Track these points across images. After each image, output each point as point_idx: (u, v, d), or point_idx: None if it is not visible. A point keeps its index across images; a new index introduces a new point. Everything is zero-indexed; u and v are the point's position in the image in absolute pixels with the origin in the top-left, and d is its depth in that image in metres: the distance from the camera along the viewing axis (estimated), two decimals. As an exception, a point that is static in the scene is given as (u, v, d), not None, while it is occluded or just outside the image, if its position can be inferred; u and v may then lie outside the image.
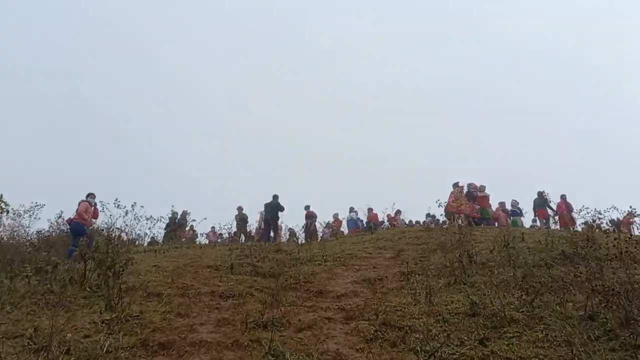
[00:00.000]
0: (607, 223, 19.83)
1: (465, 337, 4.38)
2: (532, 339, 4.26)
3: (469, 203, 17.60)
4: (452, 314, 5.11)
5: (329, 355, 4.02)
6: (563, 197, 20.97)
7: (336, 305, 5.76)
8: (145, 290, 6.40)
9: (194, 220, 19.92)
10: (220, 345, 4.11)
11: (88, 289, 6.33)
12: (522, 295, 5.53)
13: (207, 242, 20.15)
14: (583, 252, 7.23)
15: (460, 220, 17.71)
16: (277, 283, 7.00)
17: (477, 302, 5.26)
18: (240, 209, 21.33)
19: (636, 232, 17.18)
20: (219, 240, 21.05)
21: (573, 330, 4.34)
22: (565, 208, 20.79)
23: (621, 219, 19.52)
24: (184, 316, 5.19)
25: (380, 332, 4.58)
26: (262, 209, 19.59)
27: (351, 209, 23.41)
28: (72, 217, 11.69)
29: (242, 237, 20.59)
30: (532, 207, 20.04)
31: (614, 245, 6.90)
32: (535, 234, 10.25)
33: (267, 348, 4.04)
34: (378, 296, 6.29)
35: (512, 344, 4.17)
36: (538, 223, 19.67)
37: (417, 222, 23.82)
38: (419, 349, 4.07)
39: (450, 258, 8.10)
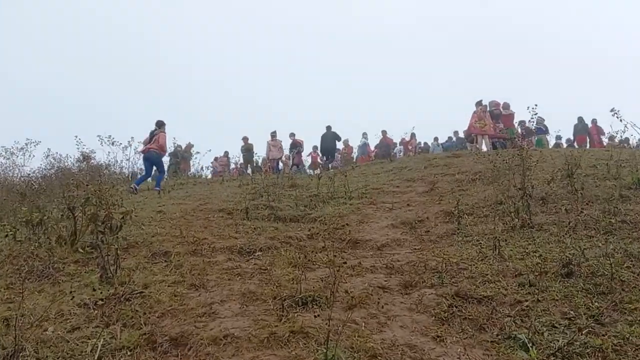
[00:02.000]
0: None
1: (572, 312, 3.31)
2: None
3: (492, 123, 16.28)
4: (537, 274, 4.02)
5: (397, 350, 2.97)
6: (594, 121, 19.64)
7: (383, 263, 4.69)
8: (150, 249, 5.34)
9: (197, 152, 18.84)
10: (251, 341, 3.06)
11: (80, 250, 5.26)
12: (618, 243, 4.44)
13: (211, 174, 19.20)
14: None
15: (484, 143, 16.50)
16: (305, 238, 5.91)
17: (568, 256, 4.17)
18: (245, 139, 20.15)
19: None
20: (225, 170, 20.08)
21: None
22: (596, 132, 19.48)
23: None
24: (199, 288, 4.14)
25: (456, 306, 3.51)
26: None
27: (364, 135, 22.17)
28: (149, 147, 12.04)
29: (249, 169, 19.57)
30: (572, 132, 19.01)
31: None
32: (583, 156, 9.01)
33: (315, 345, 2.99)
34: (430, 247, 5.22)
35: (642, 322, 3.10)
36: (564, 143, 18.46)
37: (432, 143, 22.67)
38: (521, 337, 3.00)
39: (502, 192, 6.97)
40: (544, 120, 18.90)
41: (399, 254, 5.08)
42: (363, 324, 3.30)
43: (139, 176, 13.02)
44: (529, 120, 18.76)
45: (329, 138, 19.15)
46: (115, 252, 4.57)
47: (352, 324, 3.29)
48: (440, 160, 11.56)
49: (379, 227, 6.35)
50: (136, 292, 3.98)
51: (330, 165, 18.53)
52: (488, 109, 16.50)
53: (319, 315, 3.39)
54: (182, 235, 5.85)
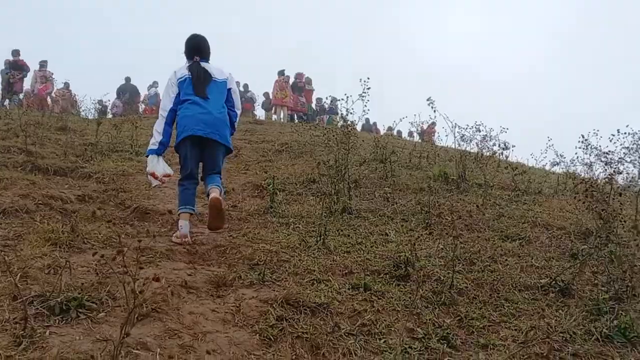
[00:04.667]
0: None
1: (420, 330, 2.75)
2: (512, 326, 2.84)
3: (295, 95, 16.03)
4: (369, 273, 3.43)
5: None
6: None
7: (183, 247, 3.61)
8: None
9: None
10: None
11: None
12: (441, 240, 4.13)
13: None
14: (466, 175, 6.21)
15: (282, 114, 16.17)
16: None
17: (398, 253, 3.68)
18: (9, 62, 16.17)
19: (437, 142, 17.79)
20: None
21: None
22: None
23: (425, 128, 20.45)
24: None
25: (286, 319, 2.66)
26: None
27: (154, 84, 19.79)
28: None
29: (6, 101, 15.87)
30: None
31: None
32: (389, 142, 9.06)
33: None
34: (240, 228, 4.30)
35: (495, 345, 2.67)
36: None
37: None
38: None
39: (312, 168, 6.40)
40: (337, 100, 19.35)
41: (203, 233, 4.04)
42: (157, 349, 2.21)
43: None
44: (325, 99, 19.21)
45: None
46: None
47: (141, 348, 2.18)
48: (242, 125, 10.66)
49: (174, 194, 5.18)
50: None
51: (112, 112, 16.19)
52: (292, 80, 16.20)
53: (86, 333, 2.20)
54: None
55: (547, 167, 8.27)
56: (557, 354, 2.60)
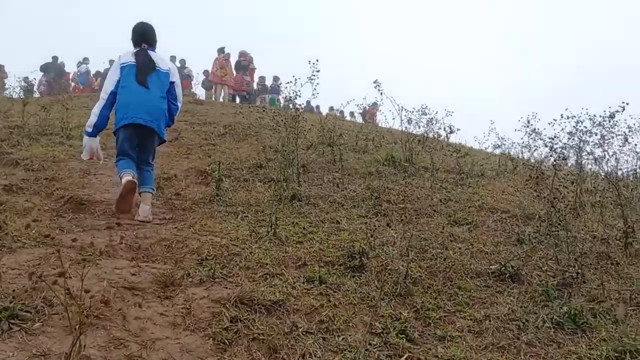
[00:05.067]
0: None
1: (378, 324, 2.69)
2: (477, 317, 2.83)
3: (239, 74, 15.58)
4: (323, 265, 3.35)
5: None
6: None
7: (125, 242, 3.37)
8: None
9: None
10: None
11: None
12: (393, 227, 4.11)
13: None
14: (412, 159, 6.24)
15: (223, 94, 15.71)
16: None
17: (352, 242, 3.62)
18: None
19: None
20: None
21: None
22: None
23: (367, 109, 20.55)
24: None
25: (241, 320, 2.52)
26: None
27: (85, 60, 18.66)
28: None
29: None
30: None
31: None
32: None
33: None
34: (185, 218, 4.08)
35: (452, 336, 2.66)
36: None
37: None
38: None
39: (258, 152, 6.23)
40: (279, 79, 19.00)
41: (145, 227, 3.81)
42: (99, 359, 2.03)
43: None
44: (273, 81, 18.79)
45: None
46: None
47: (83, 362, 1.99)
48: (182, 105, 10.22)
49: (111, 182, 4.87)
50: None
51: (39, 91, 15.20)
52: (236, 58, 15.70)
53: (20, 347, 1.98)
54: None
55: (489, 150, 8.49)
56: (512, 343, 2.62)
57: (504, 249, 3.86)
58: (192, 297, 2.67)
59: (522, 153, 7.67)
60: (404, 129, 6.80)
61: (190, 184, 5.13)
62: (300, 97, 5.34)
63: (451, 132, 6.57)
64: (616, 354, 2.42)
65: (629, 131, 5.38)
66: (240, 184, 5.21)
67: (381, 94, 6.26)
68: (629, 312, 2.93)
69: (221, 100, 15.51)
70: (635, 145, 5.62)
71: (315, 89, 5.11)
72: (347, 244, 3.67)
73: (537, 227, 4.20)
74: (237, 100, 15.91)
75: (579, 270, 3.19)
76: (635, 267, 3.65)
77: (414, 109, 6.80)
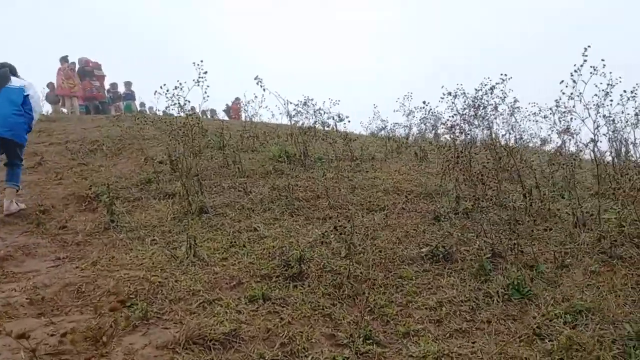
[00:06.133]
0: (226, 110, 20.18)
1: (341, 334, 2.54)
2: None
3: (86, 81, 14.20)
4: (261, 279, 3.11)
5: None
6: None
7: (24, 294, 2.80)
8: None
9: None
10: None
11: None
12: (312, 225, 3.97)
13: None
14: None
15: (72, 105, 14.24)
16: None
17: (281, 249, 3.41)
18: None
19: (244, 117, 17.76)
20: None
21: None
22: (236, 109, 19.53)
23: (230, 105, 20.10)
24: None
25: (196, 362, 2.20)
26: None
27: None
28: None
29: None
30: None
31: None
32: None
33: None
34: (83, 254, 3.54)
35: (415, 330, 2.60)
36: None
37: None
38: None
39: (140, 166, 5.69)
40: (131, 84, 17.74)
41: (39, 271, 3.22)
42: None
43: None
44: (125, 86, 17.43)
45: None
46: None
47: None
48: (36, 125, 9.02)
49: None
50: None
51: None
52: (78, 65, 14.27)
53: None
54: None
55: (375, 133, 8.71)
56: (473, 325, 2.64)
57: (427, 229, 3.93)
58: (132, 349, 2.28)
59: (404, 132, 7.98)
60: (292, 122, 6.66)
61: (74, 213, 4.49)
62: (189, 102, 4.91)
63: (340, 120, 6.57)
64: (571, 317, 2.54)
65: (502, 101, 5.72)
66: (132, 204, 4.69)
67: (264, 90, 6.02)
68: (557, 272, 3.12)
69: (71, 112, 14.06)
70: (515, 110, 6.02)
71: (205, 92, 4.72)
72: (276, 251, 3.45)
73: (448, 204, 4.35)
74: (92, 111, 14.53)
75: (516, 241, 3.33)
76: (542, 226, 3.94)
77: (300, 101, 6.67)
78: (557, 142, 6.76)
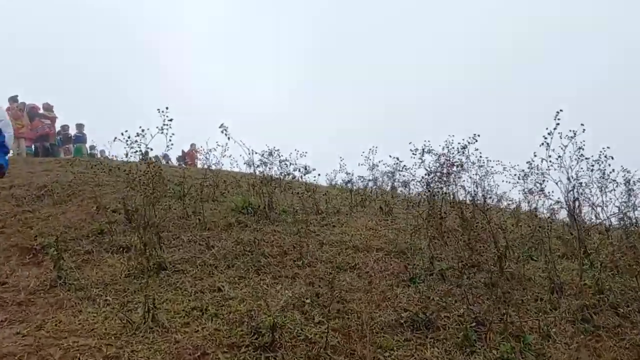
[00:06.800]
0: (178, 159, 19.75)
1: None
2: None
3: (36, 120, 13.63)
4: (228, 349, 2.81)
5: None
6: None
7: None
8: None
9: None
10: None
11: None
12: (292, 284, 3.70)
13: None
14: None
15: (19, 147, 13.55)
16: None
17: (249, 313, 3.12)
18: None
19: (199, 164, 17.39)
20: None
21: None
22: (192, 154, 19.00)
23: (186, 151, 19.71)
24: None
25: None
26: None
27: None
28: None
29: None
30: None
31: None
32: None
33: None
34: (23, 317, 3.13)
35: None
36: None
37: None
38: None
39: (91, 215, 5.31)
40: (83, 126, 17.11)
41: (-30, 340, 2.80)
42: None
43: None
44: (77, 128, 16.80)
45: None
46: None
47: None
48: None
49: None
50: None
51: None
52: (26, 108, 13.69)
53: None
54: None
55: (335, 184, 8.58)
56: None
57: (402, 292, 3.74)
58: None
59: (368, 186, 7.89)
60: (257, 172, 6.45)
61: (16, 267, 4.05)
62: (151, 149, 4.61)
63: (307, 172, 6.40)
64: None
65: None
66: (82, 258, 4.29)
67: (228, 138, 5.82)
68: (543, 343, 2.98)
69: (18, 154, 13.36)
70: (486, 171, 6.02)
71: (170, 140, 4.46)
72: (244, 316, 3.17)
73: (422, 264, 4.20)
74: (40, 153, 13.85)
75: (505, 310, 3.17)
76: (519, 291, 3.83)
77: (264, 151, 6.49)
78: (521, 201, 6.82)
